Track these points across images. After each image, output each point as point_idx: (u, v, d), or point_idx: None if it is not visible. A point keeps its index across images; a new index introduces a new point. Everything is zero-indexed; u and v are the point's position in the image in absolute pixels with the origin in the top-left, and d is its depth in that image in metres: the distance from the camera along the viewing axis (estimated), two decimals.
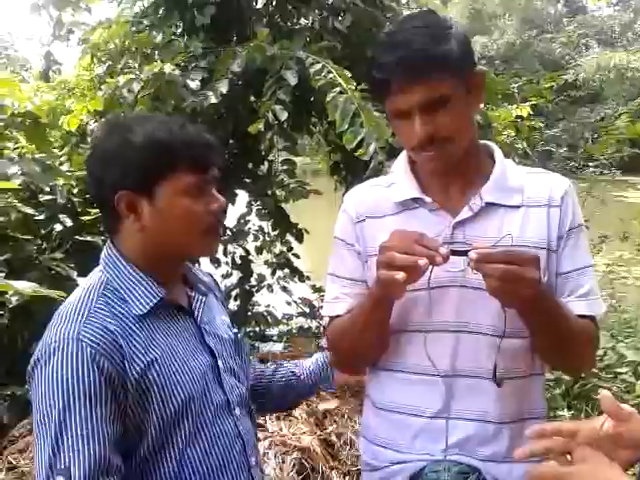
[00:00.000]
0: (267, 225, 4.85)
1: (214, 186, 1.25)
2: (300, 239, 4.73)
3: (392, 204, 1.39)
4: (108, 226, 1.26)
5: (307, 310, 5.14)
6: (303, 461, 2.50)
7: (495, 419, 1.32)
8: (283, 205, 4.65)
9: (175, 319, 1.26)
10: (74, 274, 3.33)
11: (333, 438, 2.73)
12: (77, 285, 3.21)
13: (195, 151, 1.19)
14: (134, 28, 3.95)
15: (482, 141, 1.42)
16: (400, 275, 1.14)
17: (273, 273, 4.96)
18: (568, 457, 0.96)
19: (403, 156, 1.45)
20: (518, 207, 1.33)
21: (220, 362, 1.30)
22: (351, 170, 5.05)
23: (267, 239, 4.91)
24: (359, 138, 3.01)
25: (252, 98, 4.31)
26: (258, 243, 4.90)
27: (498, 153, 1.40)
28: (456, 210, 1.34)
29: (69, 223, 3.43)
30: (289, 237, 4.78)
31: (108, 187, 1.19)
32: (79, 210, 3.57)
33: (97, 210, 3.57)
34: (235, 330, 1.44)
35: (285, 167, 4.38)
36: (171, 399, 1.17)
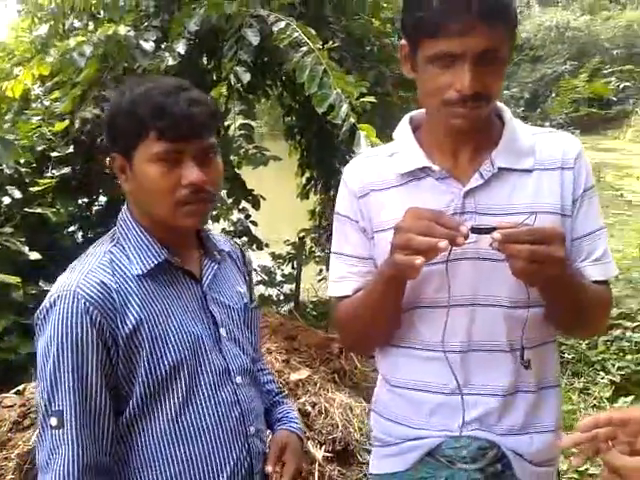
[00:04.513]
0: (222, 192, 4.73)
1: (196, 158, 1.20)
2: (257, 206, 4.64)
3: (397, 175, 1.30)
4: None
5: (266, 278, 5.08)
6: None
7: (512, 391, 1.28)
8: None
9: (180, 283, 1.28)
10: (25, 249, 3.15)
11: (308, 408, 2.69)
12: (29, 260, 3.11)
13: (163, 121, 1.16)
14: None
15: None
16: (419, 260, 1.08)
17: None
18: (610, 443, 0.95)
19: (405, 123, 1.36)
20: (530, 171, 1.26)
21: (223, 330, 1.31)
22: (306, 133, 4.98)
23: (223, 207, 4.78)
24: (329, 101, 2.90)
25: (204, 59, 4.15)
26: (214, 211, 4.78)
27: (507, 113, 1.31)
28: (465, 178, 1.26)
29: (17, 195, 3.25)
30: (245, 204, 4.68)
31: (108, 148, 1.25)
32: (27, 181, 3.38)
33: (46, 181, 3.42)
34: (246, 301, 1.41)
35: (243, 132, 4.24)
36: (161, 359, 1.20)
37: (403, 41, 1.26)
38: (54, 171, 3.48)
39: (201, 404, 1.24)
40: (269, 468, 1.33)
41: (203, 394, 1.25)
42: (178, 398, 1.22)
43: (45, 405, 1.16)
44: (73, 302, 1.15)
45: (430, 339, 1.28)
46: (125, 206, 1.30)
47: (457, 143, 1.28)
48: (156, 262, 1.23)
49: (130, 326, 1.18)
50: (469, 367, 1.27)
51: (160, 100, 1.17)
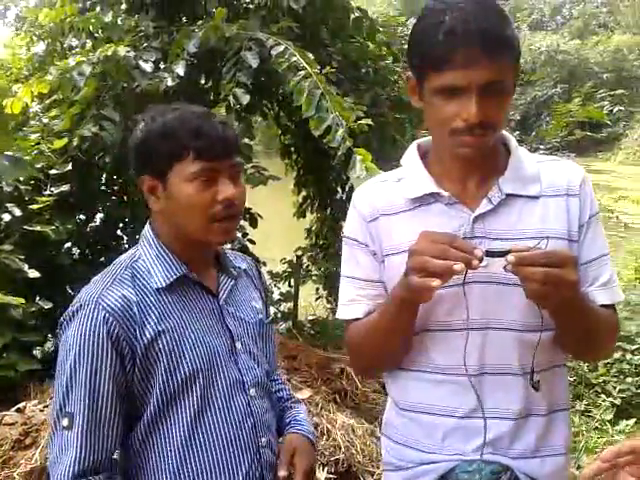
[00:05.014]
0: None
1: (229, 176, 1.28)
2: (254, 224, 4.63)
3: (406, 200, 1.32)
4: (134, 209, 1.32)
5: None
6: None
7: (524, 414, 1.28)
8: None
9: (198, 298, 1.34)
10: (25, 266, 3.12)
11: None
12: (29, 278, 3.09)
13: (201, 141, 1.24)
14: (80, 5, 3.72)
15: None
16: (436, 282, 1.09)
17: None
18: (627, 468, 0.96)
19: (413, 149, 1.38)
20: (537, 197, 1.29)
21: (238, 343, 1.36)
22: (302, 153, 5.00)
23: None
24: (326, 124, 2.92)
25: (203, 79, 4.17)
26: None
27: (513, 142, 1.35)
28: (474, 203, 1.28)
29: (17, 212, 3.22)
30: (242, 222, 4.68)
31: (136, 171, 1.32)
32: (27, 198, 3.36)
33: (45, 198, 3.40)
34: (261, 316, 1.46)
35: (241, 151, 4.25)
36: (177, 369, 1.25)
37: (409, 73, 1.28)
38: (53, 189, 3.46)
39: (215, 414, 1.29)
40: (282, 473, 1.35)
41: (217, 405, 1.29)
42: (193, 407, 1.27)
43: (60, 405, 1.22)
44: (94, 312, 1.22)
45: (442, 362, 1.29)
46: (148, 225, 1.36)
47: (465, 170, 1.30)
48: (175, 277, 1.29)
49: (149, 337, 1.24)
50: (482, 390, 1.27)
51: (198, 123, 1.26)
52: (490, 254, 1.12)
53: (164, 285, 1.28)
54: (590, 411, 3.78)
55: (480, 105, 1.16)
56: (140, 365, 1.23)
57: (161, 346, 1.24)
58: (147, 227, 1.36)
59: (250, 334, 1.40)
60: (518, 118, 21.07)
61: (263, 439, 1.34)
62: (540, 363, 1.27)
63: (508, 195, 1.28)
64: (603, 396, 3.87)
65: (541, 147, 5.81)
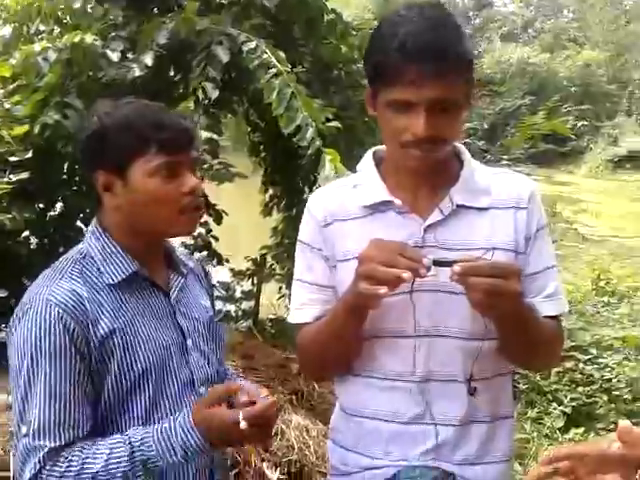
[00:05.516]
0: None
1: (190, 168, 1.28)
2: (219, 221, 4.59)
3: (360, 207, 1.34)
4: (95, 201, 1.32)
5: (225, 294, 5.03)
6: (235, 453, 2.42)
7: (467, 421, 1.30)
8: None
9: (150, 295, 1.31)
10: None
11: None
12: None
13: (164, 134, 1.22)
14: None
15: None
16: (383, 290, 1.11)
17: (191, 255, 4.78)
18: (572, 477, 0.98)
19: (369, 157, 1.40)
20: (487, 209, 1.31)
21: (189, 341, 1.35)
22: (271, 151, 4.98)
23: None
24: (296, 123, 2.92)
25: (171, 72, 4.12)
26: None
27: (466, 154, 1.37)
28: (425, 213, 1.30)
29: None
30: (206, 218, 4.63)
31: (89, 167, 1.27)
32: None
33: (3, 186, 3.31)
34: (211, 314, 1.46)
35: (207, 147, 4.21)
36: (130, 367, 1.23)
37: (367, 82, 1.29)
38: (11, 176, 3.36)
39: (165, 413, 1.27)
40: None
41: (167, 403, 1.28)
42: (145, 405, 1.25)
43: (20, 413, 1.17)
44: (46, 310, 1.16)
45: (390, 368, 1.30)
46: (95, 221, 1.32)
47: (416, 181, 1.32)
48: (127, 273, 1.26)
49: (102, 333, 1.20)
50: (427, 397, 1.29)
51: (158, 116, 1.25)
52: (438, 263, 1.15)
53: (115, 282, 1.25)
54: (542, 418, 3.84)
55: (429, 120, 1.17)
56: (94, 363, 1.20)
57: (115, 343, 1.21)
58: (94, 223, 1.32)
59: (200, 332, 1.39)
60: (486, 127, 21.35)
61: None
62: (484, 371, 1.30)
63: (459, 206, 1.30)
64: (554, 404, 3.94)
65: (504, 157, 5.90)
